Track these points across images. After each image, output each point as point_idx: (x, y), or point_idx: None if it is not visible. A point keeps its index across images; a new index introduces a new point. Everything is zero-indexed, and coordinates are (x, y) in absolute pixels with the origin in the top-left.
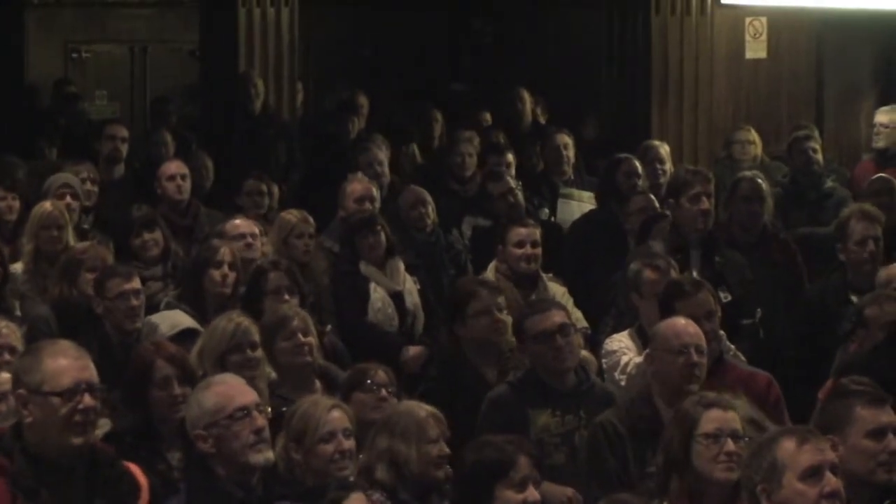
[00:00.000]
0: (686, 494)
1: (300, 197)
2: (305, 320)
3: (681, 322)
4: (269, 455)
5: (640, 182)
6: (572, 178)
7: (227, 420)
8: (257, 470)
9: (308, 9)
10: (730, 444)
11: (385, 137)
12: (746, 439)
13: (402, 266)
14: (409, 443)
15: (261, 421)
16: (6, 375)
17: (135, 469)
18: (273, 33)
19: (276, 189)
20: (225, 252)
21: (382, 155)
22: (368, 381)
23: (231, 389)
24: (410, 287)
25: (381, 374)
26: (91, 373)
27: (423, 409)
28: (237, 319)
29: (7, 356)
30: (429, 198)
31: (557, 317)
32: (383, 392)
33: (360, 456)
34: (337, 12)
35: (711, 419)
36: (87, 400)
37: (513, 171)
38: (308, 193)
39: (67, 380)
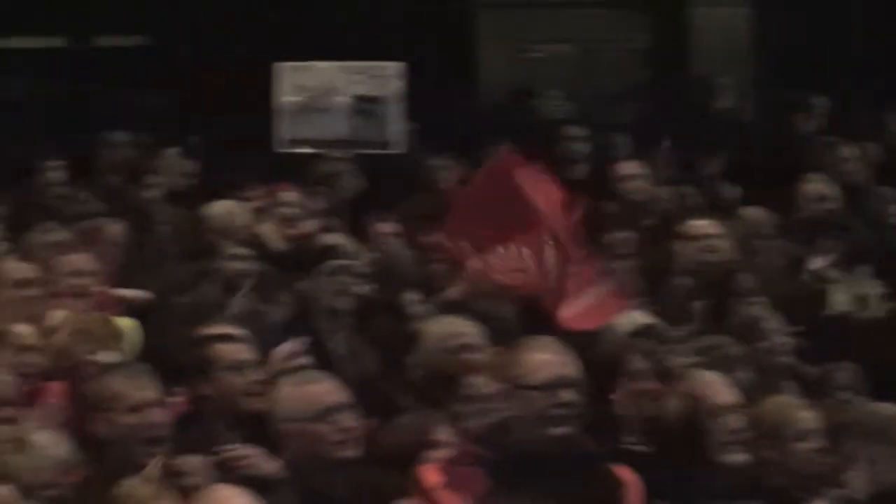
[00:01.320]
0: None
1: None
2: (778, 322)
3: None
4: (740, 458)
5: None
6: None
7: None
8: (731, 469)
9: (765, 9)
10: None
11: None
12: None
13: (868, 270)
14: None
15: (735, 422)
16: (478, 378)
17: (622, 470)
18: (726, 33)
19: (729, 189)
20: (679, 255)
21: (851, 153)
22: None
23: (702, 389)
24: (875, 291)
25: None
26: (571, 369)
27: None
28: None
29: (470, 355)
30: None
31: None
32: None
33: None
34: (796, 14)
35: None
36: (565, 395)
37: None
38: (761, 194)
39: (546, 374)
